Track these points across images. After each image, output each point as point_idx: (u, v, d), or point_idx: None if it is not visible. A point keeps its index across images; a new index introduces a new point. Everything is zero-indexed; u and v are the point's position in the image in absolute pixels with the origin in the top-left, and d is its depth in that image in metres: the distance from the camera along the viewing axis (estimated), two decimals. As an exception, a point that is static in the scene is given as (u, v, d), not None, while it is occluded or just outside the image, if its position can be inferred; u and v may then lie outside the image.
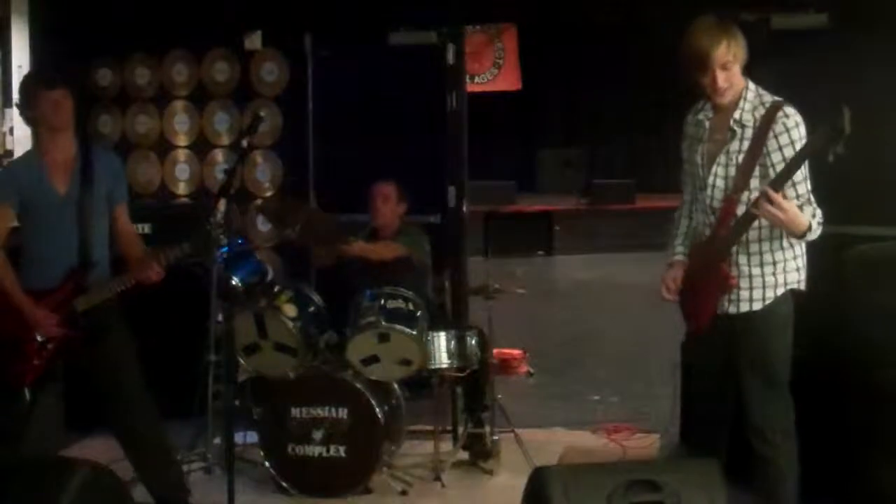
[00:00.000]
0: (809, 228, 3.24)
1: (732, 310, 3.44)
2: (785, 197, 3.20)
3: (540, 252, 12.22)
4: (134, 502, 3.45)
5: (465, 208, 5.99)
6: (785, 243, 3.42)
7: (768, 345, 3.44)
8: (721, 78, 3.33)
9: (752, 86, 3.43)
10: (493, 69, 13.55)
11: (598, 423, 5.46)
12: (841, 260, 3.92)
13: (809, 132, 3.31)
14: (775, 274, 3.41)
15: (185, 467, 4.48)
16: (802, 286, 3.48)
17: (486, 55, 13.38)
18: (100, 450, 4.51)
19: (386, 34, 5.75)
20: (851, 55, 4.91)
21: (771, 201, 3.15)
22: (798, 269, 3.46)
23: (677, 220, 3.74)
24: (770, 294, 3.41)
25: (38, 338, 3.82)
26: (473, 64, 12.45)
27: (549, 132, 14.87)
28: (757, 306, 3.42)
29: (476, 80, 12.98)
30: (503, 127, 14.04)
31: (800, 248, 3.46)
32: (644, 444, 5.05)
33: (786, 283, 3.42)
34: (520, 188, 13.21)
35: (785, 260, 3.42)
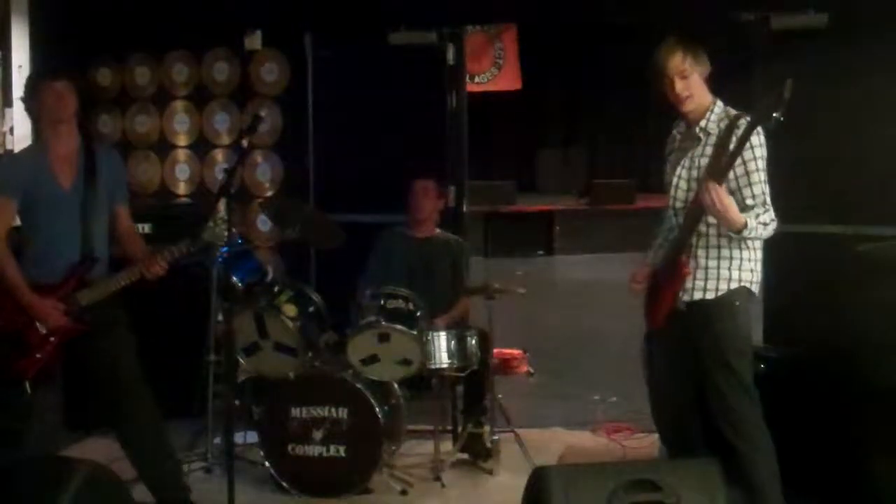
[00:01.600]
0: (745, 226, 3.40)
1: (687, 298, 3.62)
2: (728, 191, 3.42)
3: (540, 252, 12.23)
4: (134, 502, 3.45)
5: (465, 208, 5.99)
6: (746, 243, 3.59)
7: (720, 328, 3.58)
8: (679, 85, 3.56)
9: (720, 103, 3.65)
10: (493, 69, 13.55)
11: (598, 423, 5.47)
12: (841, 259, 3.93)
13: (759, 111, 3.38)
14: (730, 269, 3.59)
15: (185, 467, 4.48)
16: (755, 288, 3.65)
17: (486, 55, 13.38)
18: (100, 450, 4.51)
19: (386, 34, 5.75)
20: (851, 55, 4.91)
21: (710, 192, 3.36)
22: (752, 270, 3.63)
23: (657, 233, 3.93)
24: (724, 286, 3.59)
25: (41, 331, 3.82)
26: (473, 64, 12.44)
27: (549, 132, 14.89)
28: (710, 295, 3.60)
29: (476, 80, 12.98)
30: (503, 127, 14.05)
31: (759, 253, 3.65)
32: (644, 444, 5.04)
33: (740, 280, 3.60)
34: (520, 188, 13.22)
35: (741, 258, 3.60)
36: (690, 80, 3.56)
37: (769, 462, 3.55)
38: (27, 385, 3.81)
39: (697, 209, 3.51)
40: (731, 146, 3.42)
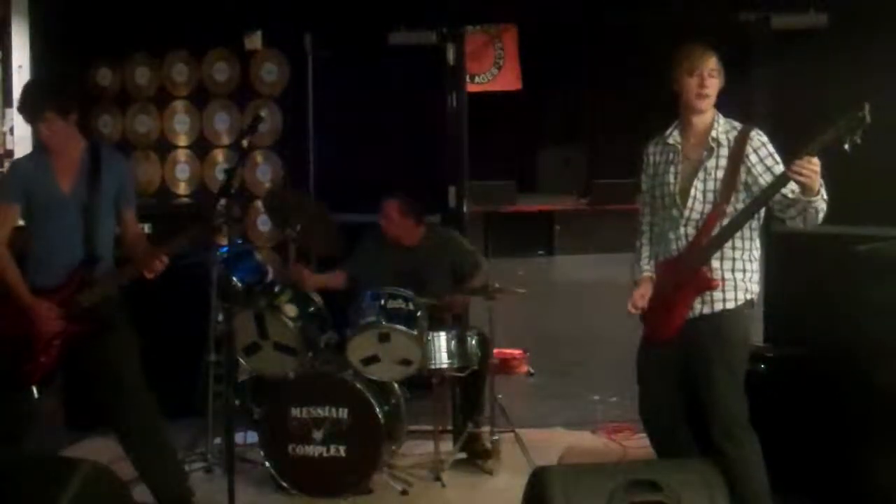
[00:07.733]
0: (822, 185, 3.40)
1: (707, 310, 3.63)
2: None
3: (540, 252, 12.23)
4: (134, 502, 3.46)
5: (465, 208, 6.00)
6: (754, 255, 3.66)
7: (735, 338, 3.62)
8: (709, 83, 3.60)
9: (720, 114, 3.68)
10: (493, 69, 13.55)
11: (598, 423, 5.46)
12: (842, 260, 3.93)
13: (827, 125, 3.39)
14: (744, 280, 3.64)
15: (185, 467, 4.48)
16: (756, 299, 3.72)
17: (486, 55, 13.38)
18: (100, 450, 4.51)
19: (386, 34, 5.75)
20: (851, 55, 4.91)
21: (811, 162, 3.32)
22: (757, 283, 3.70)
23: (639, 247, 3.88)
24: (741, 297, 3.63)
25: (45, 335, 3.83)
26: (473, 64, 12.44)
27: (549, 132, 14.88)
28: (730, 305, 3.62)
29: (476, 80, 12.98)
30: (503, 127, 14.04)
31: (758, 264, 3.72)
32: (644, 444, 5.02)
33: (753, 291, 3.67)
34: (520, 188, 13.22)
35: (752, 271, 3.66)
36: (714, 84, 3.60)
37: (758, 465, 3.54)
38: (34, 389, 3.81)
39: (735, 222, 3.52)
40: (766, 176, 3.48)
